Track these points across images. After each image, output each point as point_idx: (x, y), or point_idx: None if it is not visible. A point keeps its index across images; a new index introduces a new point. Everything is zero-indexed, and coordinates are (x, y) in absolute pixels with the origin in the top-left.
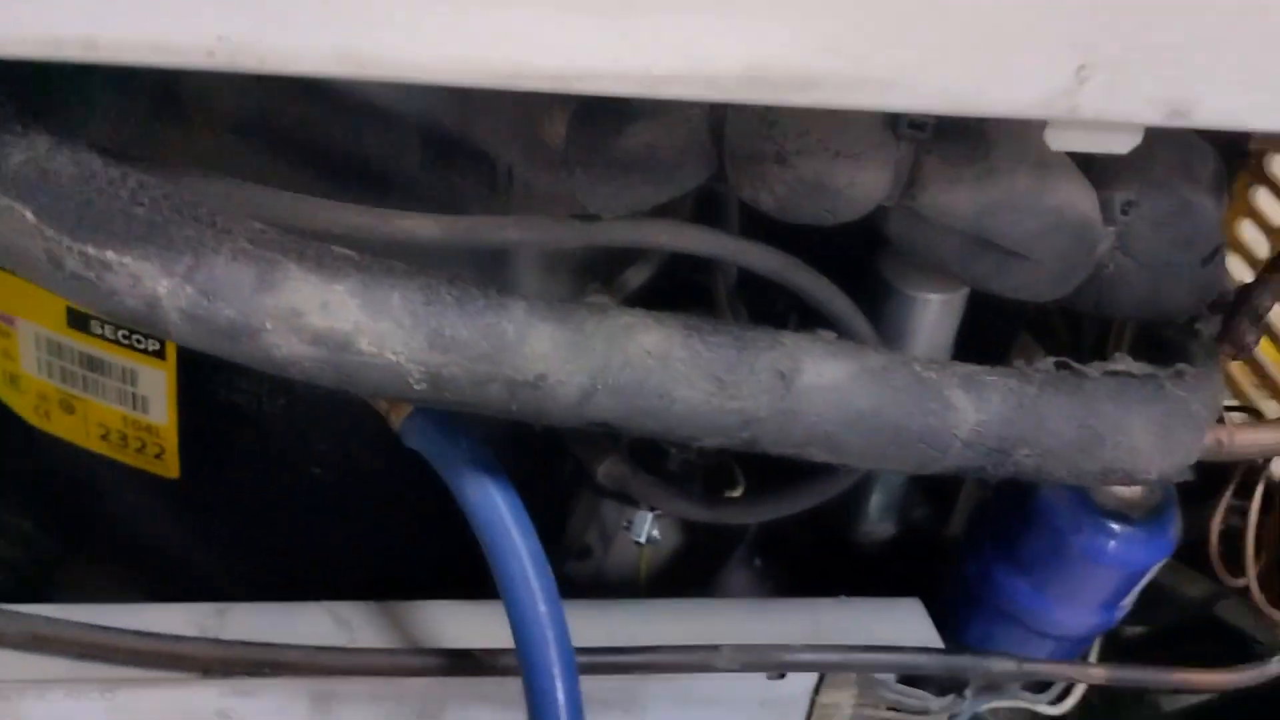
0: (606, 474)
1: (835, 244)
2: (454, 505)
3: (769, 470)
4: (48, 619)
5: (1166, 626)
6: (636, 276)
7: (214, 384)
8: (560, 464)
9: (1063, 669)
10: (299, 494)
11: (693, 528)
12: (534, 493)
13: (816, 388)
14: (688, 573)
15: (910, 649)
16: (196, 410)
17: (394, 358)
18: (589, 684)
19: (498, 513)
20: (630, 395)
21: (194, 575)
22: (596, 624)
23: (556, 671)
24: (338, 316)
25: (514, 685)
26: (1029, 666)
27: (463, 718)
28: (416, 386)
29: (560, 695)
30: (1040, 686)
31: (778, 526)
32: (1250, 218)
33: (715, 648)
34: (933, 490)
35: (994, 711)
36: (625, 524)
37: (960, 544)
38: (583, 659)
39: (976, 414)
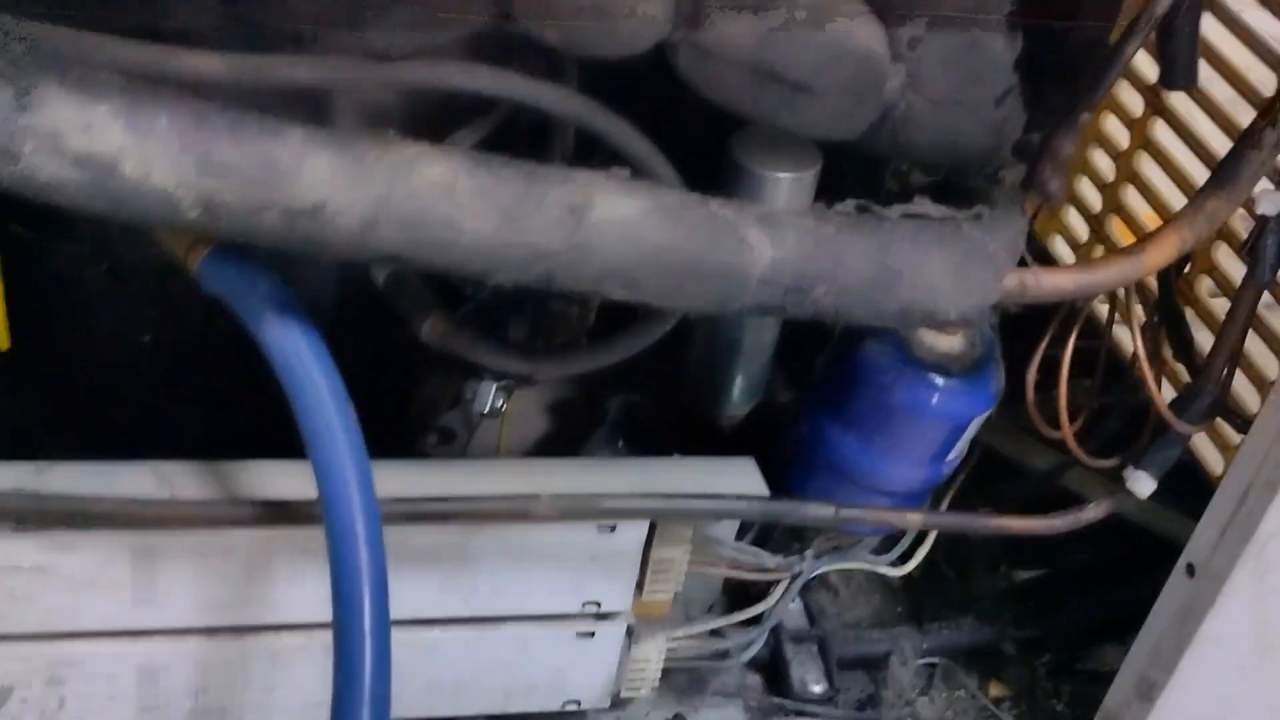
0: (430, 331)
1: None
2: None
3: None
4: None
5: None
6: (467, 137)
7: (37, 249)
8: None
9: (880, 514)
10: (129, 363)
11: (556, 409)
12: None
13: (609, 222)
14: (550, 455)
15: (729, 496)
16: (22, 280)
17: (162, 183)
18: (415, 536)
19: (297, 351)
20: (416, 226)
21: (22, 447)
22: (420, 479)
23: (356, 504)
24: (101, 138)
25: None
26: (845, 513)
27: (291, 572)
28: (189, 214)
29: (360, 531)
30: (884, 548)
31: (640, 410)
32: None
33: (535, 496)
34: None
35: (842, 576)
36: (469, 396)
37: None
38: (399, 508)
39: (773, 251)
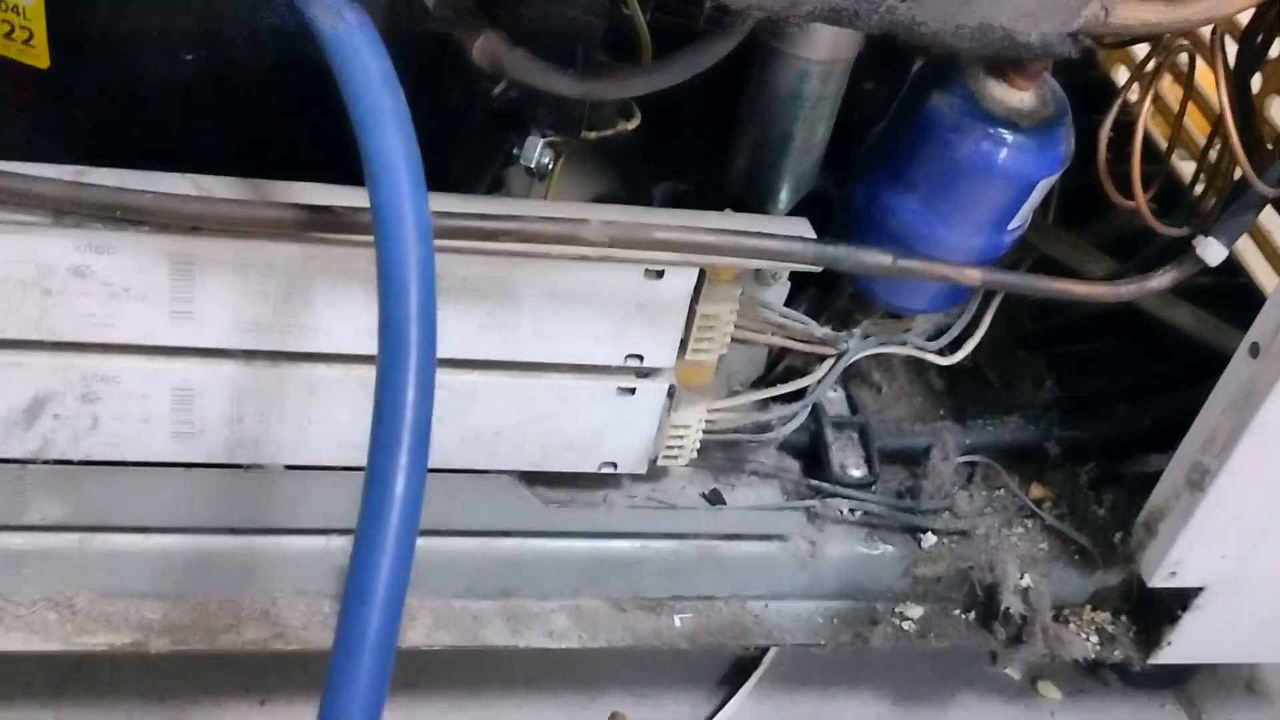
0: (481, 50)
1: None
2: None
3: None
4: None
5: None
6: None
7: None
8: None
9: (938, 268)
10: (169, 81)
11: (601, 199)
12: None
13: None
14: None
15: (785, 236)
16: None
17: None
18: (456, 266)
19: (351, 38)
20: None
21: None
22: (464, 205)
23: (405, 194)
24: None
25: None
26: (903, 262)
27: (332, 296)
28: None
29: (409, 218)
30: (933, 337)
31: (687, 200)
32: None
33: (583, 220)
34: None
35: (885, 374)
36: (515, 151)
37: (850, 180)
38: (445, 222)
39: None
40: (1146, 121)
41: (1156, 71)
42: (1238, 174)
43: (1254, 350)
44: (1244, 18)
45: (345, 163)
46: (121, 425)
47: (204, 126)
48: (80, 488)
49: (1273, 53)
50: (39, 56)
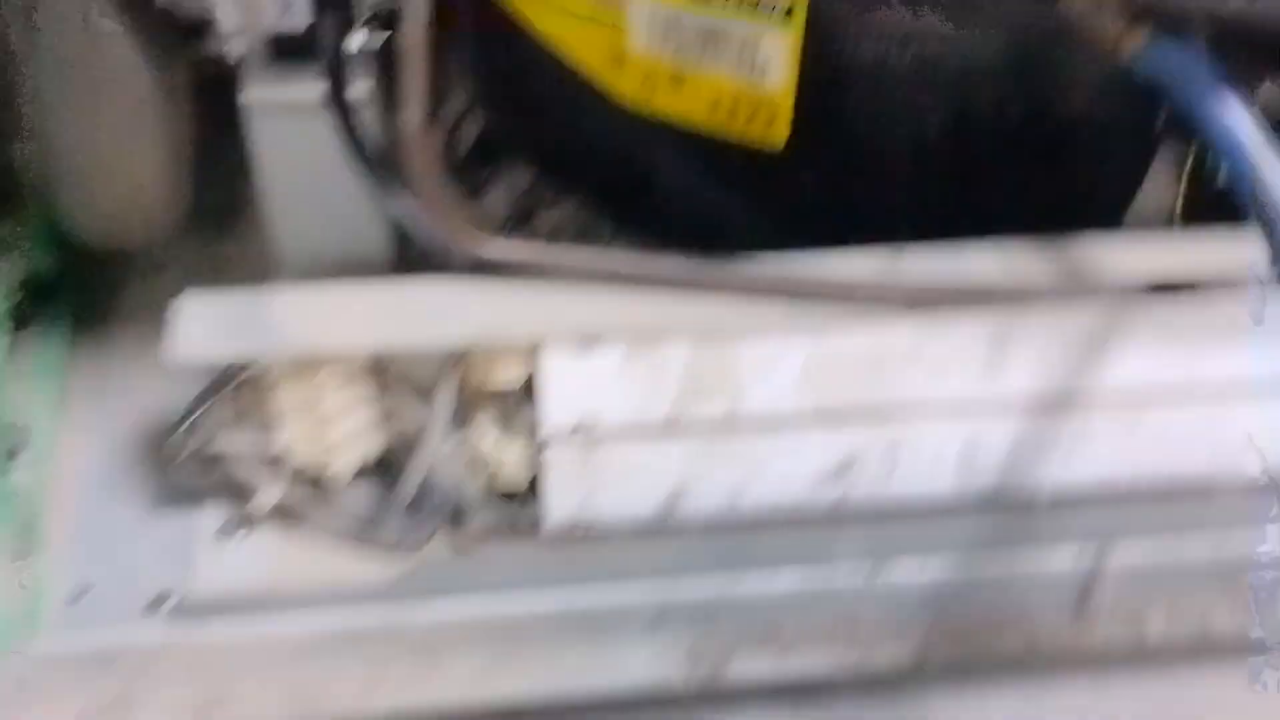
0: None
1: None
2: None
3: None
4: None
5: None
6: None
7: (839, 42)
8: None
9: None
10: (910, 153)
11: None
12: None
13: None
14: None
15: None
16: (811, 73)
17: None
18: None
19: (1247, 134)
20: None
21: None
22: None
23: None
24: None
25: None
26: None
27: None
28: None
29: None
30: None
31: None
32: None
33: None
34: None
35: None
36: None
37: None
38: None
39: None
40: None
41: None
42: None
43: None
44: None
45: None
46: (913, 474)
47: (949, 196)
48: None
49: None
50: (776, 134)
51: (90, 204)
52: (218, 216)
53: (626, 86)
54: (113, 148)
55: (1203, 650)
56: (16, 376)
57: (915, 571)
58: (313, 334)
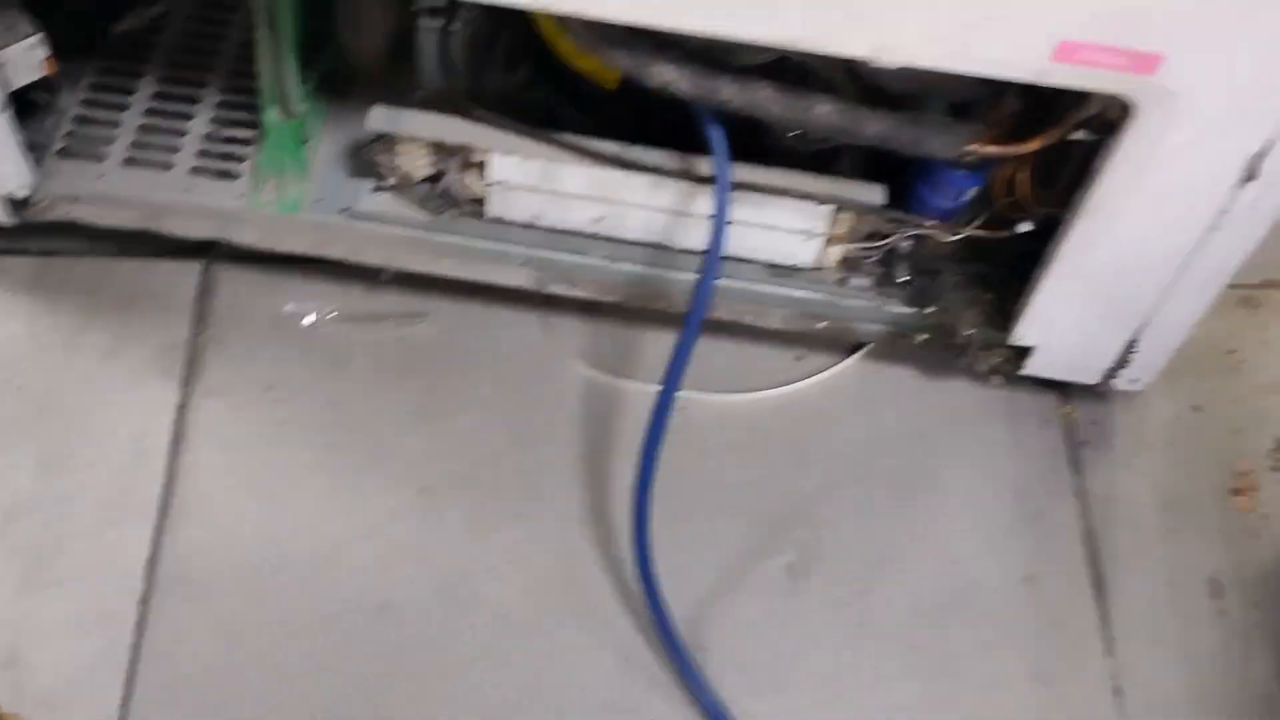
0: None
1: None
2: None
3: None
4: None
5: None
6: None
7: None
8: None
9: None
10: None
11: None
12: None
13: None
14: None
15: None
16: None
17: None
18: None
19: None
20: None
21: None
22: None
23: None
24: None
25: None
26: None
27: None
28: None
29: None
30: None
31: None
32: None
33: None
34: None
35: None
36: None
37: None
38: None
39: None
40: None
41: None
42: None
43: None
44: None
45: None
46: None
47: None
48: None
49: None
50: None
51: (352, 46)
52: (399, 64)
53: (564, 49)
54: (366, 17)
55: None
56: (310, 115)
57: (615, 257)
58: (417, 128)
